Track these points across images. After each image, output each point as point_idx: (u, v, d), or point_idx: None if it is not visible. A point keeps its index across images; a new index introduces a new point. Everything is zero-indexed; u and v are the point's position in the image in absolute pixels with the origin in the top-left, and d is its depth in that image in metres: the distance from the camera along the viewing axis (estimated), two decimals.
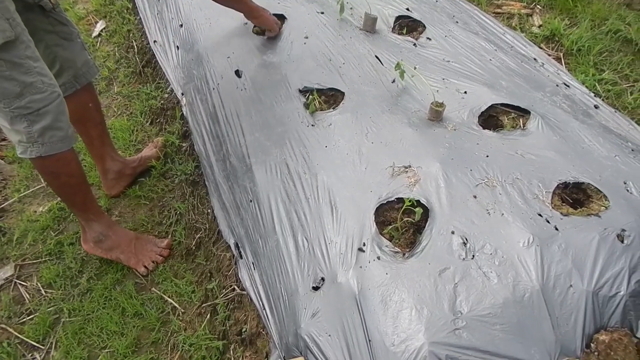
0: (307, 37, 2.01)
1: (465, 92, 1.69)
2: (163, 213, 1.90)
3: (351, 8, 2.17)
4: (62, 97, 1.42)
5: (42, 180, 2.09)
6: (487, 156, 1.41)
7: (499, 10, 2.58)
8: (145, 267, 1.74)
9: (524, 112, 1.60)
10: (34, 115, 1.36)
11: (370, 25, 2.06)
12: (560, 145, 1.47)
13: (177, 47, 2.38)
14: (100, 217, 1.71)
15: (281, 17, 2.13)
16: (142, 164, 2.04)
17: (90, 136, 1.86)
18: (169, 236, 1.82)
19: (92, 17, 3.43)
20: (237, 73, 1.96)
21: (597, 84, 2.08)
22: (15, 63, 1.28)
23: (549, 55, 2.25)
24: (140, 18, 2.85)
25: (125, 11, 3.09)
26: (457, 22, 2.19)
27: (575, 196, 1.32)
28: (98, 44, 3.18)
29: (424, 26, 2.11)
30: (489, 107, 1.62)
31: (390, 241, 1.23)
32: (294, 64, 1.90)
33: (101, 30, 3.33)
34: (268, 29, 2.03)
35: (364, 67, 1.84)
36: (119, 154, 2.01)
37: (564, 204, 1.28)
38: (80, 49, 1.69)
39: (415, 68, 1.65)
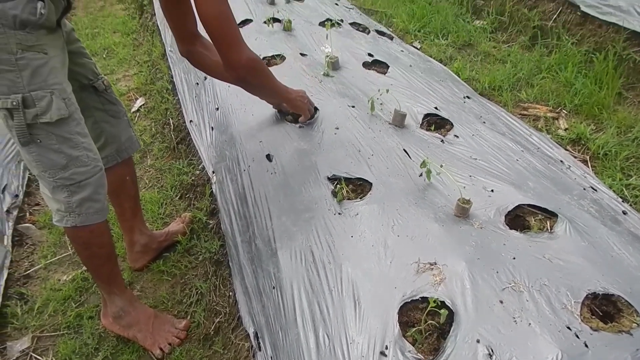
0: (337, 128, 2.08)
1: (492, 191, 1.71)
2: (184, 291, 1.90)
3: (381, 104, 2.26)
4: (103, 171, 1.52)
5: (70, 249, 2.12)
6: (514, 258, 1.40)
7: (525, 113, 2.65)
8: (161, 349, 1.73)
9: (551, 215, 1.60)
10: (75, 186, 1.44)
11: (399, 121, 2.14)
12: (588, 251, 1.45)
13: (212, 128, 2.48)
14: (123, 291, 1.74)
15: (314, 109, 2.23)
16: (168, 238, 2.09)
17: (123, 208, 1.93)
18: (188, 317, 1.80)
19: (133, 94, 3.63)
20: (269, 157, 2.02)
21: (624, 189, 2.08)
22: (65, 138, 1.38)
23: (576, 157, 2.28)
24: (178, 99, 3.01)
25: (165, 91, 3.27)
26: (484, 122, 2.25)
27: (605, 308, 1.29)
28: (136, 118, 3.35)
29: (452, 124, 2.18)
30: (516, 207, 1.63)
31: (414, 345, 1.20)
32: (324, 152, 1.96)
33: (140, 106, 3.51)
34: (301, 113, 2.09)
35: (392, 160, 1.89)
36: (147, 227, 2.05)
37: (593, 316, 1.24)
38: (126, 125, 1.84)
39: (441, 166, 1.69)
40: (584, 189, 1.86)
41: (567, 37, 3.07)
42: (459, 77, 2.90)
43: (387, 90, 2.16)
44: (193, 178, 2.40)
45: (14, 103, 1.29)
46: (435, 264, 1.38)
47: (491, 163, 1.91)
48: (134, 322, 1.74)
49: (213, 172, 2.25)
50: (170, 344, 1.74)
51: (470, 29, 3.59)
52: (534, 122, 2.61)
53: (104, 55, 4.21)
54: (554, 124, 2.59)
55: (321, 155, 1.95)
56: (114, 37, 4.61)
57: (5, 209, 2.27)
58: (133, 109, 3.41)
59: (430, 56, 3.24)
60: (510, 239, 1.47)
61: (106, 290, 1.71)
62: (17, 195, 2.42)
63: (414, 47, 3.44)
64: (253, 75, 1.70)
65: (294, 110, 2.10)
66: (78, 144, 1.42)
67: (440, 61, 3.19)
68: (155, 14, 4.41)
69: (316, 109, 2.22)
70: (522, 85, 2.89)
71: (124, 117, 1.83)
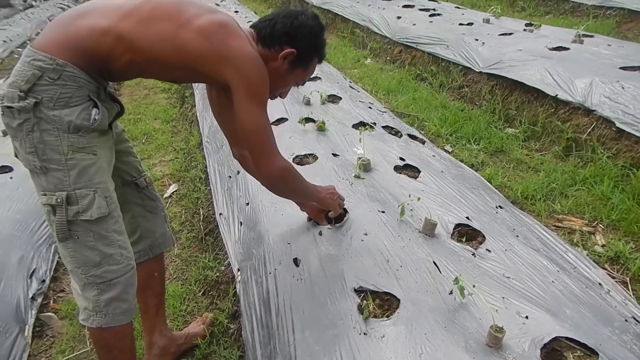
0: (366, 234, 2.05)
1: (527, 317, 1.62)
2: None
3: (411, 210, 2.24)
4: (134, 270, 1.54)
5: (88, 344, 2.08)
6: None
7: (559, 225, 2.59)
8: None
9: (590, 352, 1.49)
10: (106, 284, 1.46)
11: (429, 230, 2.10)
12: None
13: (241, 223, 2.49)
14: None
15: (343, 211, 2.22)
16: (187, 341, 2.03)
17: (147, 304, 1.91)
18: None
19: (167, 180, 3.73)
20: (296, 261, 2.00)
21: None
22: (102, 235, 1.42)
23: (614, 279, 2.18)
24: (210, 189, 3.07)
25: (198, 180, 3.35)
26: (517, 235, 2.20)
27: None
28: (168, 204, 3.40)
29: (484, 236, 2.13)
30: (552, 339, 1.53)
31: None
32: (351, 259, 1.92)
33: (173, 192, 3.59)
34: (331, 209, 2.05)
35: (422, 273, 1.83)
36: (168, 328, 2.01)
37: None
38: (162, 221, 1.87)
39: (474, 286, 1.62)
40: (626, 320, 1.75)
41: (602, 151, 3.06)
42: (491, 184, 2.89)
43: (419, 199, 2.15)
44: (218, 274, 2.37)
45: (58, 200, 1.35)
46: None
47: (525, 283, 1.83)
48: None
49: (238, 270, 2.22)
50: None
51: (502, 136, 3.62)
52: (569, 235, 2.54)
53: (143, 141, 4.39)
54: (590, 239, 2.51)
55: (348, 262, 1.91)
56: (155, 123, 4.83)
57: (30, 296, 2.26)
58: (166, 195, 3.48)
59: (462, 161, 3.26)
60: None
61: None
62: (43, 281, 2.43)
63: (446, 150, 3.47)
64: (284, 183, 1.72)
65: (324, 207, 2.07)
66: (113, 242, 1.45)
67: (472, 166, 3.20)
68: (195, 105, 4.62)
69: (346, 210, 2.21)
70: (556, 195, 2.85)
71: (161, 213, 1.86)
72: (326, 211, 2.08)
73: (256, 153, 1.57)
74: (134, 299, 1.56)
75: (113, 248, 1.45)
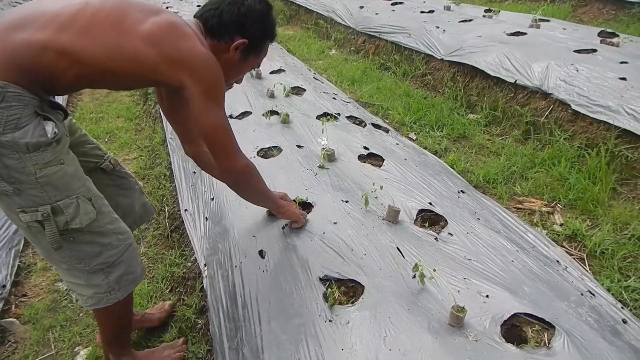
0: (331, 224, 2.07)
1: (487, 296, 1.67)
2: None
3: (376, 197, 2.27)
4: (132, 244, 1.61)
5: (53, 348, 2.04)
6: None
7: (520, 206, 2.66)
8: None
9: (548, 325, 1.55)
10: (110, 267, 1.54)
11: (393, 217, 2.13)
12: None
13: (206, 218, 2.48)
14: (129, 351, 1.83)
15: (308, 205, 2.23)
16: (142, 320, 2.08)
17: None
18: None
19: None
20: (261, 253, 2.00)
21: (623, 292, 2.03)
22: (96, 232, 1.48)
23: (572, 255, 2.25)
24: (175, 186, 3.03)
25: (162, 177, 3.30)
26: (478, 218, 2.25)
27: None
28: None
29: (446, 221, 2.17)
30: (512, 315, 1.58)
31: None
32: (316, 250, 1.94)
33: None
34: (294, 221, 2.05)
35: (385, 259, 1.86)
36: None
37: None
38: (139, 194, 1.95)
39: (435, 270, 1.65)
40: (582, 294, 1.81)
41: (559, 133, 3.14)
42: (454, 169, 2.94)
43: (381, 187, 2.18)
44: (184, 270, 2.36)
45: (44, 215, 1.34)
46: None
47: (486, 264, 1.88)
48: None
49: (205, 265, 2.21)
50: None
51: (464, 122, 3.69)
52: (529, 216, 2.61)
53: (106, 139, 4.30)
54: (550, 219, 2.58)
55: (314, 253, 1.92)
56: (117, 122, 4.73)
57: None
58: None
59: (426, 148, 3.31)
60: (506, 355, 1.41)
61: (116, 352, 1.79)
62: (4, 286, 2.37)
63: (410, 138, 3.51)
64: (245, 181, 1.73)
65: (285, 218, 2.07)
66: (108, 232, 1.51)
67: (435, 153, 3.25)
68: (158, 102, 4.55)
69: (310, 205, 2.23)
70: (517, 178, 2.92)
71: (135, 187, 1.92)
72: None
73: (218, 152, 1.56)
74: (139, 264, 1.65)
75: (109, 237, 1.51)
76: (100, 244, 1.49)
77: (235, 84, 1.77)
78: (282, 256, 1.95)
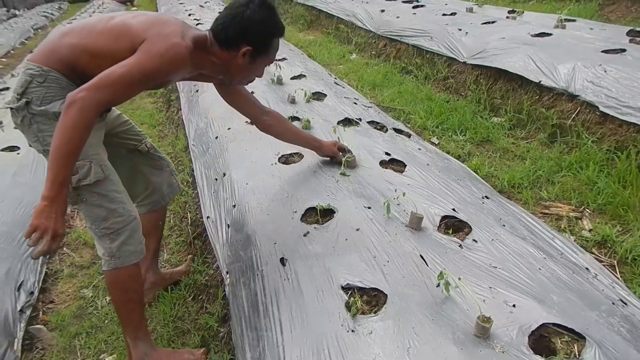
0: (353, 231, 2.05)
1: (514, 306, 1.62)
2: None
3: (398, 204, 2.24)
4: (137, 219, 1.85)
5: (79, 355, 2.07)
6: None
7: (546, 211, 2.60)
8: None
9: (578, 336, 1.50)
10: (115, 234, 1.77)
11: (416, 224, 2.10)
12: None
13: (228, 225, 2.48)
14: (147, 336, 1.95)
15: (331, 212, 2.22)
16: (172, 277, 2.47)
17: (148, 249, 2.07)
18: None
19: None
20: (282, 261, 1.99)
21: None
22: (103, 195, 1.74)
23: (602, 262, 2.19)
24: (197, 192, 3.05)
25: (185, 184, 3.33)
26: (504, 225, 2.20)
27: None
28: None
29: (470, 227, 2.13)
30: (540, 325, 1.53)
31: None
32: (338, 257, 1.92)
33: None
34: (332, 156, 2.51)
35: (409, 267, 1.83)
36: (159, 267, 2.49)
37: None
38: (168, 175, 2.32)
39: (460, 279, 1.62)
40: (613, 303, 1.75)
41: (587, 136, 3.07)
42: (478, 174, 2.89)
43: (404, 194, 2.15)
44: (207, 278, 2.37)
45: None
46: None
47: (512, 272, 1.83)
48: None
49: (227, 273, 2.21)
50: None
51: (488, 125, 3.63)
52: (557, 221, 2.54)
53: None
54: (578, 224, 2.52)
55: (336, 260, 1.91)
56: (141, 128, 4.78)
57: (19, 308, 2.25)
58: None
59: (448, 152, 3.26)
60: None
61: (132, 336, 1.90)
62: (32, 293, 2.41)
63: (432, 142, 3.47)
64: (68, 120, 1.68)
65: (325, 154, 2.53)
66: (114, 199, 1.76)
67: (459, 157, 3.21)
68: (181, 109, 4.59)
69: (332, 211, 2.21)
70: (543, 183, 2.86)
71: (166, 169, 2.30)
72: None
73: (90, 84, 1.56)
74: (141, 244, 1.86)
75: (115, 203, 1.76)
76: (107, 208, 1.73)
77: (256, 77, 2.01)
78: (303, 263, 1.94)
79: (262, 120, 2.27)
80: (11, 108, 1.69)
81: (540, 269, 1.88)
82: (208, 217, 2.69)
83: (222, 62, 1.81)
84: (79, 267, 2.74)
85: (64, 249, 2.92)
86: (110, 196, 1.75)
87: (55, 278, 2.63)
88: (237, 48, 1.75)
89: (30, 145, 1.78)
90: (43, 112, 1.66)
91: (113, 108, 1.99)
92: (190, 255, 2.65)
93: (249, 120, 2.56)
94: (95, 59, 1.65)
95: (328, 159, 2.64)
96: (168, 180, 2.31)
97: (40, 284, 2.50)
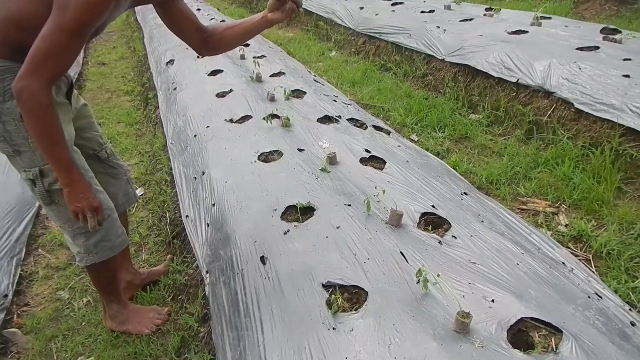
0: (334, 229, 2.05)
1: (493, 301, 1.64)
2: None
3: (378, 201, 2.25)
4: (113, 215, 1.86)
5: (55, 358, 2.03)
6: None
7: (524, 207, 2.63)
8: (148, 329, 2.12)
9: (555, 330, 1.52)
10: (89, 232, 1.76)
11: (396, 221, 2.11)
12: None
13: (208, 224, 2.46)
14: (119, 299, 2.12)
15: (310, 209, 2.21)
16: (150, 276, 2.43)
17: None
18: None
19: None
20: (262, 259, 1.98)
21: (630, 293, 2.01)
22: None
23: (578, 257, 2.22)
24: (176, 191, 3.01)
25: (163, 183, 3.29)
26: (482, 221, 2.22)
27: None
28: (134, 209, 3.33)
29: (450, 224, 2.14)
30: (518, 320, 1.55)
31: None
32: (319, 255, 1.92)
33: (139, 197, 3.51)
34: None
35: (389, 264, 1.84)
36: (132, 265, 2.43)
37: None
38: (125, 184, 2.19)
39: (438, 275, 1.63)
40: (589, 296, 1.79)
41: (562, 132, 3.12)
42: (456, 171, 2.91)
43: (384, 191, 2.16)
44: (186, 278, 2.34)
45: (34, 175, 1.63)
46: None
47: (491, 268, 1.85)
48: (126, 318, 2.12)
49: (207, 272, 2.19)
50: (155, 325, 2.13)
51: (466, 122, 3.66)
52: (534, 217, 2.58)
53: None
54: (554, 219, 2.56)
55: (316, 258, 1.91)
56: (118, 127, 4.73)
57: None
58: None
59: (428, 149, 3.28)
60: None
61: (107, 299, 2.09)
62: (6, 295, 2.35)
63: (412, 139, 3.49)
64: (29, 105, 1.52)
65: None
66: None
67: (438, 154, 3.23)
68: (159, 107, 4.53)
69: (312, 209, 2.20)
70: (520, 179, 2.90)
71: (123, 177, 2.17)
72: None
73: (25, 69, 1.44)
74: (120, 235, 1.90)
75: None
76: None
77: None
78: (283, 262, 1.93)
79: (209, 39, 1.91)
80: None
81: (518, 264, 1.91)
82: (187, 216, 2.66)
83: None
84: (55, 269, 2.68)
85: (39, 250, 2.86)
86: None
87: (30, 280, 2.57)
88: None
89: None
90: (9, 110, 1.54)
91: (79, 97, 1.91)
92: (169, 255, 2.62)
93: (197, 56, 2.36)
94: (21, 29, 1.48)
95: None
96: (124, 189, 2.19)
97: (14, 287, 2.44)
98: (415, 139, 3.54)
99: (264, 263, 1.96)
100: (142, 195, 3.49)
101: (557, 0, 6.71)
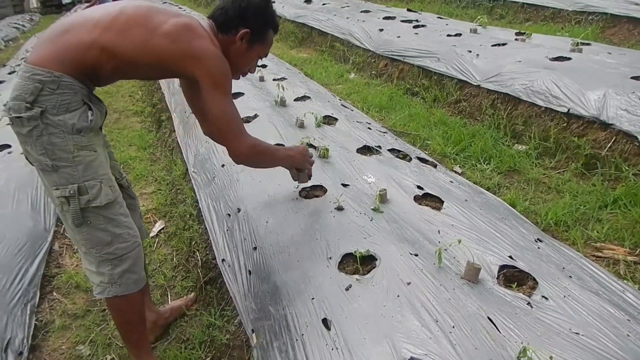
0: (404, 285, 1.78)
1: None
2: None
3: (445, 249, 1.97)
4: (141, 246, 1.82)
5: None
6: None
7: (599, 254, 2.36)
8: None
9: None
10: (118, 260, 1.72)
11: (473, 275, 1.84)
12: None
13: (249, 271, 2.18)
14: (149, 356, 1.97)
15: (372, 258, 1.94)
16: (172, 314, 2.32)
17: None
18: None
19: (152, 216, 3.38)
20: (326, 323, 1.69)
21: None
22: (111, 218, 1.68)
23: None
24: (205, 228, 2.73)
25: (188, 217, 3.01)
26: (570, 276, 1.95)
27: None
28: (155, 244, 3.06)
29: (534, 280, 1.87)
30: None
31: None
32: (393, 320, 1.63)
33: (160, 231, 3.24)
34: (301, 167, 2.26)
35: (479, 335, 1.56)
36: (154, 304, 2.34)
37: None
38: (138, 217, 2.10)
39: (551, 358, 1.35)
40: None
41: (627, 168, 2.86)
42: (516, 210, 2.64)
43: (459, 241, 1.89)
44: (228, 336, 2.04)
45: (71, 192, 1.58)
46: None
47: (599, 341, 1.58)
48: None
49: (252, 332, 1.90)
50: None
51: (512, 153, 3.40)
52: (613, 266, 2.30)
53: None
54: (638, 270, 2.27)
55: (391, 324, 1.62)
56: (130, 150, 4.47)
57: None
58: (152, 233, 3.13)
59: (475, 182, 3.02)
60: None
61: (134, 353, 1.93)
62: (21, 353, 2.06)
63: (455, 172, 3.23)
64: (255, 159, 1.99)
65: (297, 167, 2.24)
66: (121, 223, 1.71)
67: (488, 189, 2.96)
68: (175, 130, 4.27)
69: (374, 258, 1.93)
70: (589, 220, 2.62)
71: (137, 210, 2.12)
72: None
73: (224, 136, 1.84)
74: (143, 271, 1.82)
75: (121, 228, 1.70)
76: (112, 233, 1.68)
77: (249, 73, 2.01)
78: (352, 327, 1.64)
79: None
80: (17, 117, 1.53)
81: (628, 335, 1.63)
82: (223, 260, 2.37)
83: (221, 48, 1.80)
84: (72, 317, 2.39)
85: (54, 293, 2.57)
86: (117, 220, 1.70)
87: (45, 331, 2.28)
88: (236, 31, 1.79)
89: (28, 159, 1.64)
90: (60, 123, 1.54)
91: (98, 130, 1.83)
92: (192, 294, 2.47)
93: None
94: (106, 54, 1.60)
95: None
96: (139, 222, 2.09)
97: (29, 341, 2.14)
98: (459, 172, 3.28)
99: (328, 328, 1.67)
100: (162, 228, 3.21)
101: (581, 24, 6.53)
